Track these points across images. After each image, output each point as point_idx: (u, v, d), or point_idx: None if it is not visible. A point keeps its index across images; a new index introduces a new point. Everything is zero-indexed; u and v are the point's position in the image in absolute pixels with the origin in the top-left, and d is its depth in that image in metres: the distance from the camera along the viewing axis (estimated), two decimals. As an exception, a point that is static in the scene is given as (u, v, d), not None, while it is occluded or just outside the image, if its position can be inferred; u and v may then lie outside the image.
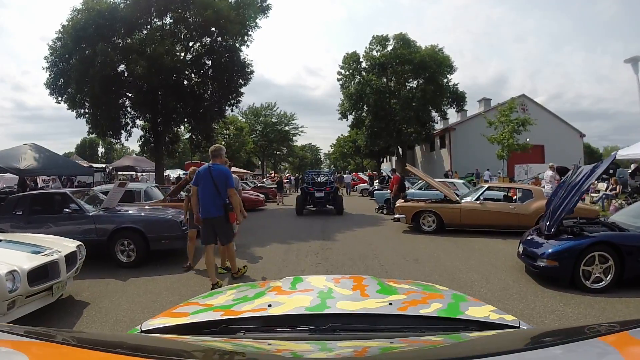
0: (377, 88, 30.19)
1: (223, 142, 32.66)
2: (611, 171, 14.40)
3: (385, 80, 31.42)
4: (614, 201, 12.08)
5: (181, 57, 17.80)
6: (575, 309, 4.20)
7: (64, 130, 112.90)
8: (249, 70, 18.09)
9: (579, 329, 1.03)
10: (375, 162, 45.93)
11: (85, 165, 20.51)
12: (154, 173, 20.05)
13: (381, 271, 5.77)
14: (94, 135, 23.82)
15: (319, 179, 15.10)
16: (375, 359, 0.99)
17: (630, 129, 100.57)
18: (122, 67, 17.47)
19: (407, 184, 13.23)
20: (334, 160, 69.28)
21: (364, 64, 31.41)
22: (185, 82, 18.16)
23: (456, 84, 31.92)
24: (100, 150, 67.48)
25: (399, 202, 9.53)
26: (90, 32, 16.67)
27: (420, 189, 13.56)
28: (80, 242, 5.07)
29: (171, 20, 18.02)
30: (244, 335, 1.20)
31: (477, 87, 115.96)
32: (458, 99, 32.09)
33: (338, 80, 32.42)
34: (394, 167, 31.49)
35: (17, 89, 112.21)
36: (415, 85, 31.16)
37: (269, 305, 1.37)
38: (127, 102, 18.53)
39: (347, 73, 31.87)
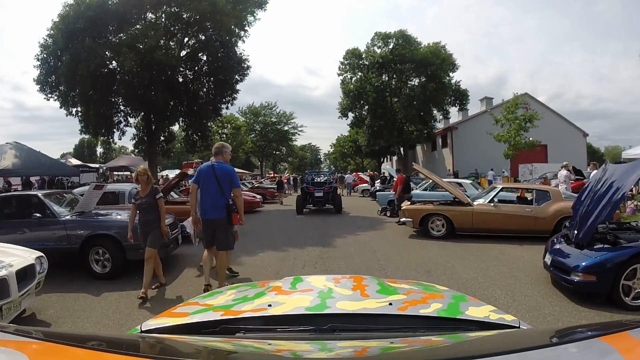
0: (377, 86, 29.56)
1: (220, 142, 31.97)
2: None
3: (386, 78, 30.80)
4: (629, 202, 11.43)
5: (175, 54, 17.22)
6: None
7: (64, 131, 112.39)
8: (245, 65, 17.50)
9: (579, 329, 1.04)
10: (375, 162, 45.33)
11: (72, 165, 19.74)
12: (148, 173, 19.30)
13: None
14: (87, 135, 23.12)
15: (318, 179, 15.41)
16: (375, 359, 0.98)
17: (631, 128, 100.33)
18: (113, 63, 16.92)
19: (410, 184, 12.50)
20: (333, 160, 68.76)
21: (365, 61, 30.74)
22: (178, 78, 17.49)
23: (459, 82, 31.26)
24: (99, 150, 66.72)
25: (405, 205, 8.79)
26: (80, 26, 16.08)
27: (425, 189, 12.86)
28: (40, 254, 4.40)
29: (164, 15, 17.41)
30: (244, 335, 1.19)
31: (477, 87, 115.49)
32: (461, 97, 31.40)
33: (338, 74, 31.79)
34: (395, 166, 30.82)
35: (16, 90, 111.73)
36: (416, 83, 30.52)
37: (269, 305, 1.36)
38: (119, 100, 17.87)
39: (348, 68, 31.20)
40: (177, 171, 28.24)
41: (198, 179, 4.63)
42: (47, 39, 17.45)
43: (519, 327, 1.24)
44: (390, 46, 29.95)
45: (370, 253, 7.05)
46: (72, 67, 15.82)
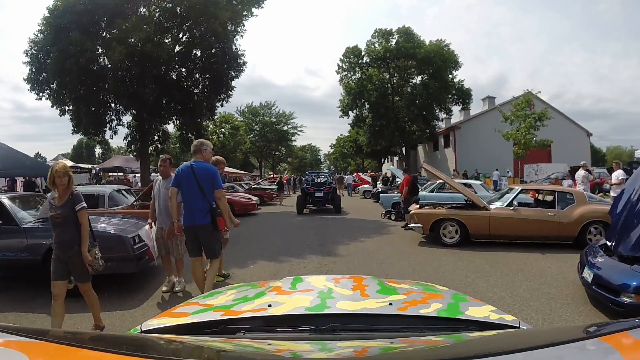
0: (378, 83, 28.85)
1: (217, 141, 31.26)
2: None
3: (387, 76, 30.08)
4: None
5: (169, 49, 16.48)
6: None
7: (63, 132, 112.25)
8: (241, 61, 16.72)
9: (579, 329, 1.02)
10: (376, 162, 44.60)
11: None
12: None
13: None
14: (79, 134, 22.35)
15: (318, 180, 15.74)
16: (375, 359, 0.98)
17: (631, 128, 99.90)
18: (104, 59, 16.19)
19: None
20: (333, 161, 68.15)
21: (365, 59, 30.00)
22: (172, 75, 16.74)
23: (462, 80, 30.54)
24: (98, 151, 65.92)
25: (414, 209, 7.98)
26: (69, 20, 15.35)
27: (432, 191, 12.08)
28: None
29: (158, 10, 16.67)
30: (244, 335, 1.19)
31: (477, 87, 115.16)
32: (464, 95, 30.66)
33: (337, 72, 31.03)
34: (397, 165, 30.05)
35: (16, 90, 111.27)
36: (418, 82, 29.80)
37: (269, 305, 1.35)
38: (110, 97, 17.09)
39: (348, 66, 30.46)
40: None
41: (177, 182, 4.16)
42: (38, 35, 16.74)
43: (519, 327, 1.24)
44: (392, 42, 29.23)
45: (376, 264, 6.23)
46: (60, 62, 15.11)
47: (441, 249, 7.12)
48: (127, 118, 18.23)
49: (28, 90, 17.33)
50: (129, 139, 18.57)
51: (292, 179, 31.26)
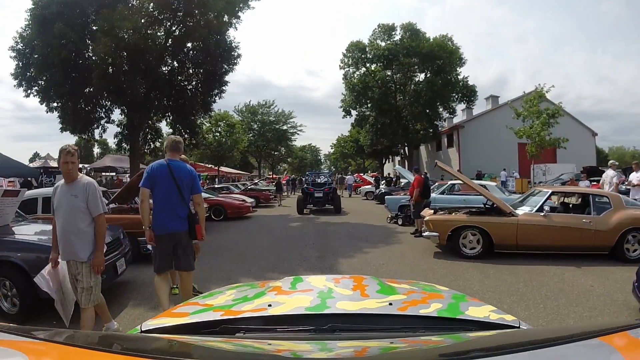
0: (382, 81, 27.91)
1: (213, 140, 30.26)
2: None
3: (390, 73, 29.13)
4: None
5: (160, 42, 15.54)
6: None
7: (63, 131, 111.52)
8: (235, 54, 15.73)
9: (579, 329, 1.04)
10: (377, 162, 43.64)
11: (38, 165, 18.09)
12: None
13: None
14: (68, 132, 21.40)
15: (318, 180, 16.03)
16: (375, 359, 0.97)
17: (631, 130, 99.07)
18: (90, 52, 15.25)
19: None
20: (334, 161, 67.25)
21: (369, 55, 29.04)
22: (162, 69, 15.75)
23: (466, 77, 29.52)
24: (96, 151, 64.96)
25: (428, 214, 6.96)
26: (54, 10, 14.40)
27: (442, 193, 11.09)
28: None
29: (149, 1, 15.71)
30: (244, 335, 1.18)
31: (477, 87, 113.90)
32: (469, 93, 29.65)
33: (340, 67, 30.04)
34: (398, 165, 29.05)
35: (16, 90, 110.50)
36: (422, 79, 28.84)
37: (269, 305, 1.34)
38: (97, 92, 16.12)
39: (351, 62, 29.51)
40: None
41: (150, 182, 3.66)
42: (25, 29, 15.80)
43: (519, 327, 1.22)
44: (396, 38, 28.30)
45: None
46: (44, 55, 14.19)
47: (462, 262, 6.10)
48: (117, 115, 17.40)
49: (14, 86, 16.42)
50: (120, 137, 17.71)
51: (291, 179, 30.28)
